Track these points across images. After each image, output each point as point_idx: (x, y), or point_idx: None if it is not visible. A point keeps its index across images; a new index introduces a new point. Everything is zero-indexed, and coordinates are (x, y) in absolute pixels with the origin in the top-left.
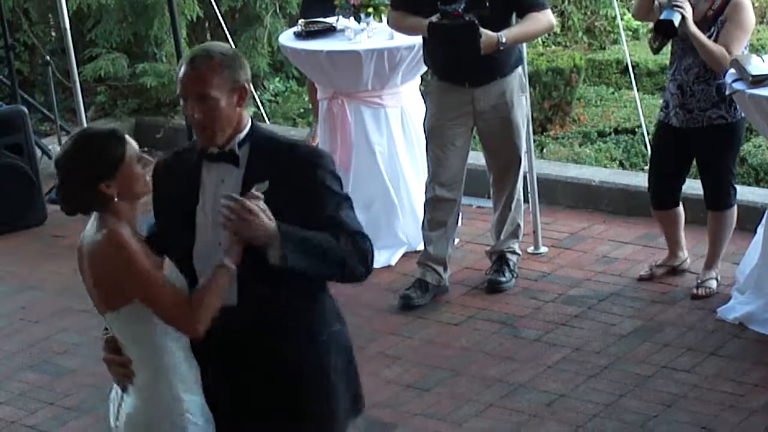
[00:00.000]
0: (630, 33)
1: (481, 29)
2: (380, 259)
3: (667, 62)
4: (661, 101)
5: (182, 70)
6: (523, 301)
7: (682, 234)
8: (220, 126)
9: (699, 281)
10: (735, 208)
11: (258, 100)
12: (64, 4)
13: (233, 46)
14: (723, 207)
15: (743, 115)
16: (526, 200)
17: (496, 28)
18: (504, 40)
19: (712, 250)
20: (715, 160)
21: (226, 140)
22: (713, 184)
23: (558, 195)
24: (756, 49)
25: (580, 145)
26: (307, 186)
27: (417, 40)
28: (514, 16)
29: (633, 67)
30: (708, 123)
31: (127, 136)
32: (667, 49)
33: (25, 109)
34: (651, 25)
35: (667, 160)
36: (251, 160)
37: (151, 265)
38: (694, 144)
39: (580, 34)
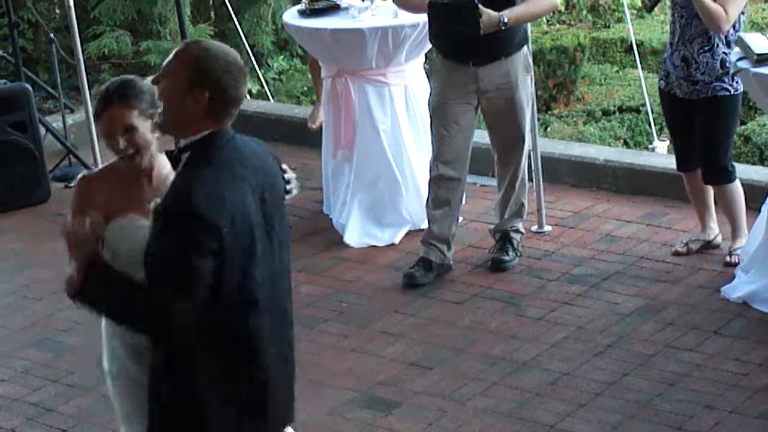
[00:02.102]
0: (634, 11)
1: (482, 8)
2: (384, 238)
3: None
4: None
5: None
6: (527, 279)
7: (712, 204)
8: (166, 112)
9: (730, 250)
10: (738, 182)
11: (262, 78)
12: None
13: (245, 40)
14: (725, 180)
15: (742, 89)
16: (530, 179)
17: (499, 8)
18: (506, 20)
19: (731, 222)
20: (715, 133)
21: (183, 138)
22: (713, 159)
23: (562, 173)
24: (761, 27)
25: (585, 124)
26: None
27: (421, 18)
28: None
29: (637, 46)
30: (712, 94)
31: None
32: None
33: (29, 87)
34: None
35: (677, 126)
36: (182, 170)
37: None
38: (696, 114)
39: (584, 12)
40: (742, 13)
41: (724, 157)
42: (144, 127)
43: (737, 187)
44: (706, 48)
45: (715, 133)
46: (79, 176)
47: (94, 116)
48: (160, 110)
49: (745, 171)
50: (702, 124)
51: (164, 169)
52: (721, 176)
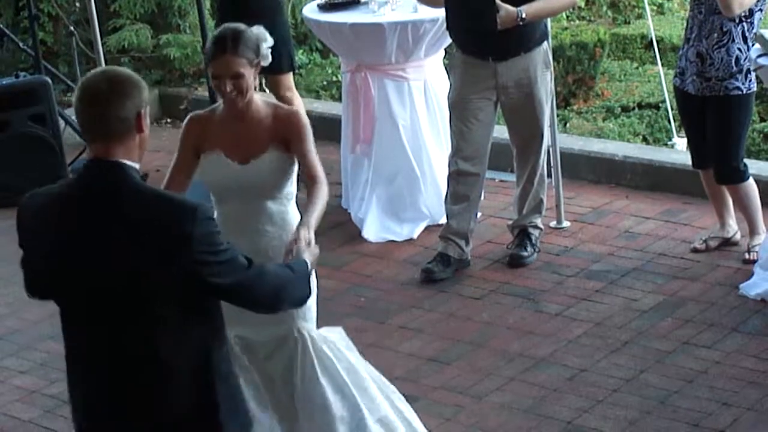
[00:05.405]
0: (655, 8)
1: (499, 3)
2: (402, 233)
3: None
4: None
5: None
6: (545, 275)
7: (730, 201)
8: None
9: (749, 247)
10: (751, 180)
11: None
12: None
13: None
14: (737, 180)
15: (755, 88)
16: (549, 175)
17: (518, 3)
18: (524, 15)
19: (748, 219)
20: (726, 133)
21: None
22: (724, 158)
23: (581, 169)
24: None
25: (604, 120)
26: None
27: (441, 13)
28: None
29: (657, 42)
30: (724, 93)
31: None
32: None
33: (49, 80)
34: None
35: (691, 123)
36: None
37: None
38: (708, 112)
39: (604, 8)
40: (760, 10)
41: (736, 156)
42: (249, 73)
43: (751, 186)
44: (722, 44)
45: (727, 133)
46: (189, 116)
47: (206, 59)
48: (262, 60)
49: (764, 168)
50: (713, 123)
51: (260, 112)
52: (734, 176)
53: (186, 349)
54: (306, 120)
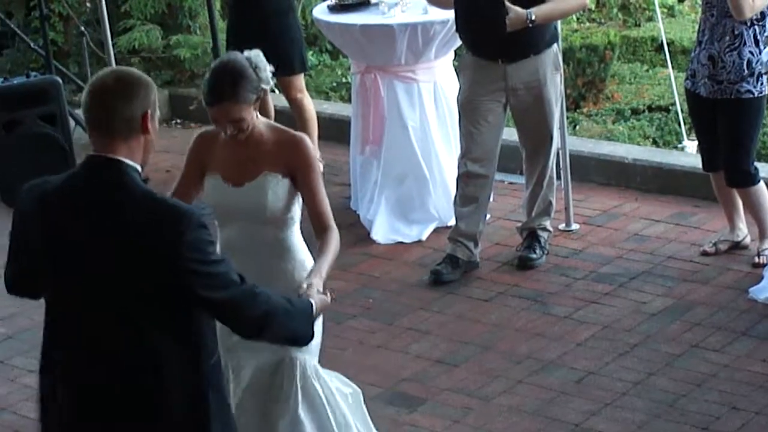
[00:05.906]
0: (665, 10)
1: (509, 5)
2: (411, 234)
3: None
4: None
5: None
6: (554, 278)
7: (740, 204)
8: None
9: (759, 250)
10: (762, 184)
11: None
12: None
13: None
14: (748, 183)
15: (766, 91)
16: (558, 177)
17: (528, 5)
18: (533, 18)
19: (758, 223)
20: (737, 136)
21: None
22: (735, 162)
23: (590, 172)
24: None
25: (614, 123)
26: None
27: (451, 14)
28: None
29: (668, 45)
30: (736, 96)
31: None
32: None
33: (59, 80)
34: None
35: (702, 126)
36: None
37: None
38: (720, 115)
39: (615, 10)
40: None
41: (747, 160)
42: (249, 114)
43: (762, 189)
44: (733, 47)
45: (738, 136)
46: (198, 133)
47: (204, 101)
48: (263, 86)
49: None
50: (724, 126)
51: (262, 136)
52: (744, 179)
53: (175, 353)
54: (312, 150)
